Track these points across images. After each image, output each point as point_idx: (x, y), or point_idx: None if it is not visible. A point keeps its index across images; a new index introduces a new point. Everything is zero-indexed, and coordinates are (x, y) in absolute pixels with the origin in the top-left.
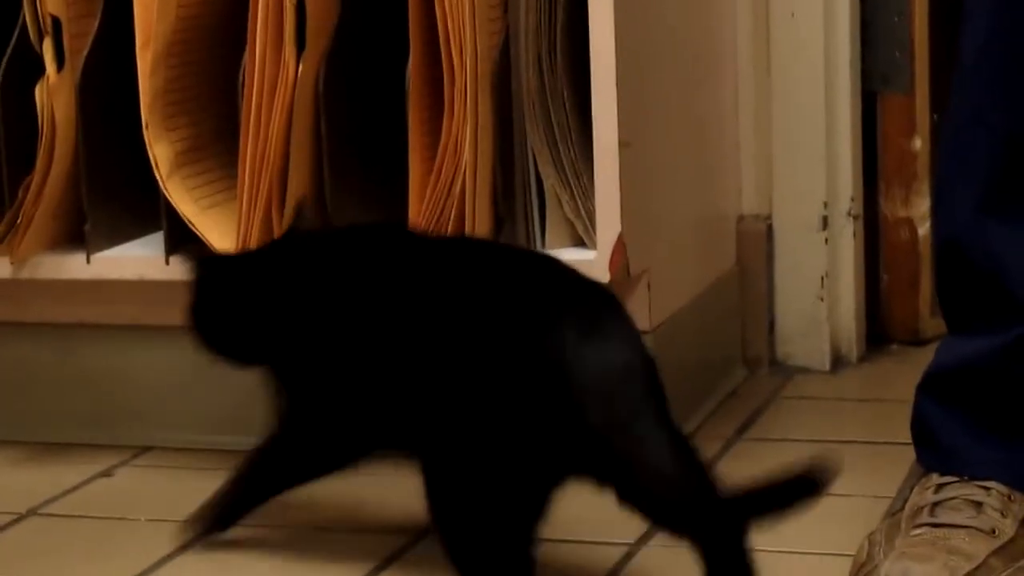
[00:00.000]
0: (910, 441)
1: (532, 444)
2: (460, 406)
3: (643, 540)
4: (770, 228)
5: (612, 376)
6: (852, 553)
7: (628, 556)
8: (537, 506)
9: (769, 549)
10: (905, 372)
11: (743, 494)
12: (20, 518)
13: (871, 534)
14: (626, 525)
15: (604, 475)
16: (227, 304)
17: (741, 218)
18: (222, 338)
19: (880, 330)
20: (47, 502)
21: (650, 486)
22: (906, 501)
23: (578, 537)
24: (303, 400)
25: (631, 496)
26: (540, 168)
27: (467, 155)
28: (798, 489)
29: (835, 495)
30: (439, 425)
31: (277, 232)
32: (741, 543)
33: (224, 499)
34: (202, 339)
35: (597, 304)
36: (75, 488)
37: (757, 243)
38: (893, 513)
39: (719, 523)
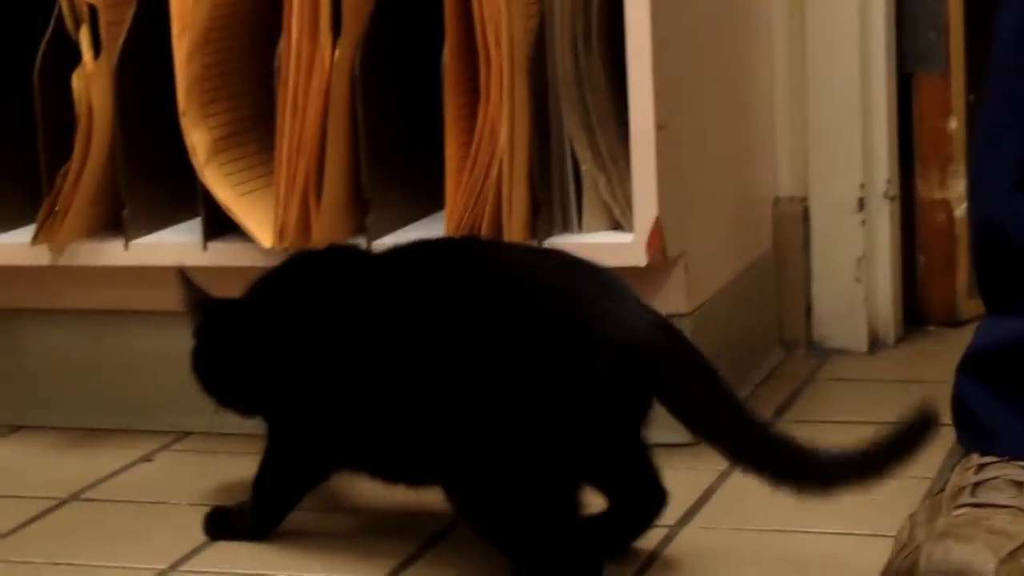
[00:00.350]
0: (948, 422)
1: (576, 416)
2: (497, 395)
3: (683, 521)
4: (806, 210)
5: (642, 332)
6: (893, 534)
7: (667, 539)
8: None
9: (810, 530)
10: (942, 353)
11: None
12: (61, 503)
13: (912, 515)
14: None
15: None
16: (225, 355)
17: (777, 200)
18: (221, 388)
19: (917, 311)
20: (88, 487)
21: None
22: (947, 482)
23: None
24: (293, 417)
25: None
26: (576, 152)
27: (503, 140)
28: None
29: None
30: (479, 417)
31: (314, 216)
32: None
33: (250, 514)
34: (203, 385)
35: (612, 282)
36: (115, 473)
37: (793, 225)
38: (934, 494)
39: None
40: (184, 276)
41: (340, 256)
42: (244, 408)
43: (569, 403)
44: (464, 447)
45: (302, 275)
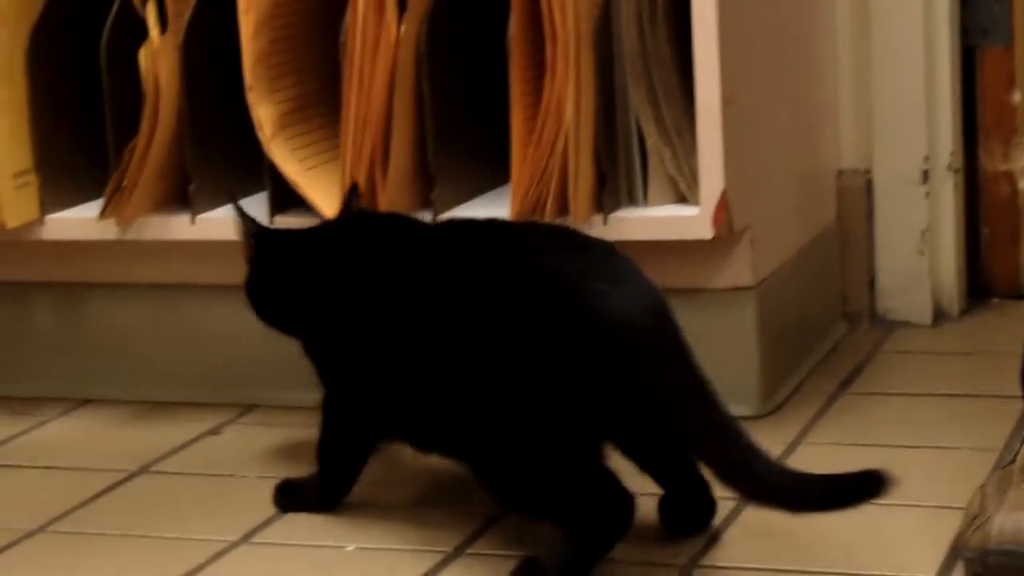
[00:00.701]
0: (1013, 394)
1: (570, 388)
2: (499, 372)
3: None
4: (870, 183)
5: (637, 318)
6: (962, 506)
7: (731, 516)
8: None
9: (879, 503)
10: (1006, 325)
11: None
12: (132, 475)
13: (982, 486)
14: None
15: (628, 421)
16: (275, 278)
17: (841, 173)
18: (268, 308)
19: (980, 284)
20: (156, 460)
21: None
22: (1016, 453)
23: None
24: (336, 382)
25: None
26: (642, 125)
27: (569, 114)
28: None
29: (941, 448)
30: (482, 391)
31: (380, 191)
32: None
33: (317, 486)
34: (253, 307)
35: (615, 259)
36: (183, 446)
37: (857, 198)
38: (1004, 466)
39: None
40: (238, 205)
41: (385, 221)
42: (291, 331)
43: (557, 373)
44: (472, 420)
45: (348, 222)
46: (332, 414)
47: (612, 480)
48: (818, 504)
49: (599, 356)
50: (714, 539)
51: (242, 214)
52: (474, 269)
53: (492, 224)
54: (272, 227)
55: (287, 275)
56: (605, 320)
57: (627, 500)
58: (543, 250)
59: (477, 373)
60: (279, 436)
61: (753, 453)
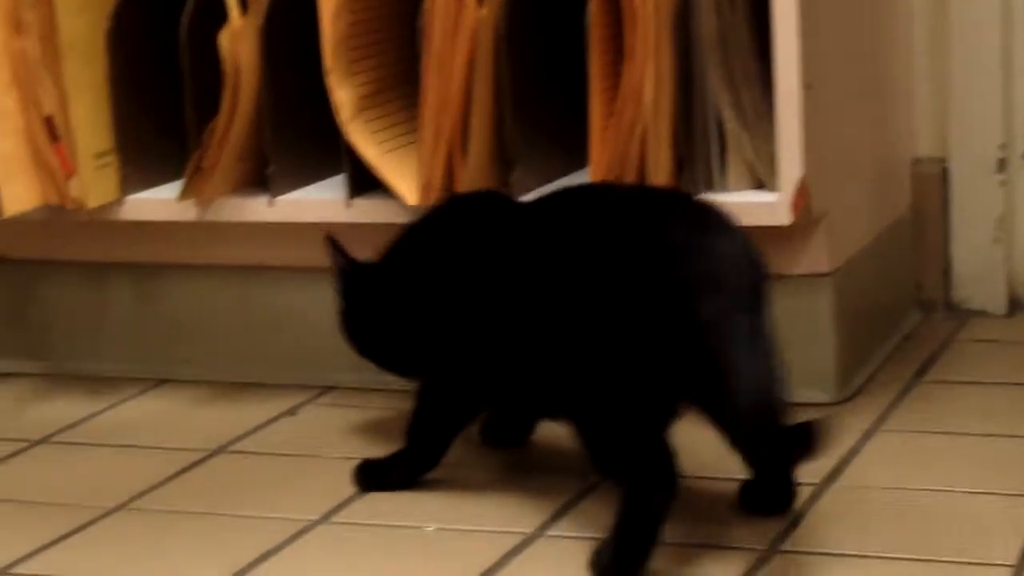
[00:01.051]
0: None
1: (652, 338)
2: (588, 320)
3: (829, 480)
4: (945, 171)
5: (721, 267)
6: None
7: (814, 497)
8: (665, 415)
9: (956, 489)
10: None
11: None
12: (210, 454)
13: None
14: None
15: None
16: (371, 316)
17: (916, 161)
18: (372, 348)
19: None
20: (235, 440)
21: (731, 389)
22: None
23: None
24: (439, 363)
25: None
26: (720, 110)
27: (648, 98)
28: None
29: (1017, 436)
30: (573, 343)
31: (459, 174)
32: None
33: (400, 464)
34: (354, 346)
35: (706, 210)
36: (261, 426)
37: (933, 186)
38: None
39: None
40: (332, 240)
41: (476, 206)
42: (394, 367)
43: (639, 321)
44: (565, 374)
45: (437, 232)
46: (431, 389)
47: (670, 447)
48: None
49: (681, 306)
50: (794, 523)
51: (335, 246)
52: (562, 229)
53: (579, 189)
54: (363, 261)
55: (388, 308)
56: (689, 268)
57: (676, 472)
58: (633, 205)
59: (568, 325)
60: (355, 417)
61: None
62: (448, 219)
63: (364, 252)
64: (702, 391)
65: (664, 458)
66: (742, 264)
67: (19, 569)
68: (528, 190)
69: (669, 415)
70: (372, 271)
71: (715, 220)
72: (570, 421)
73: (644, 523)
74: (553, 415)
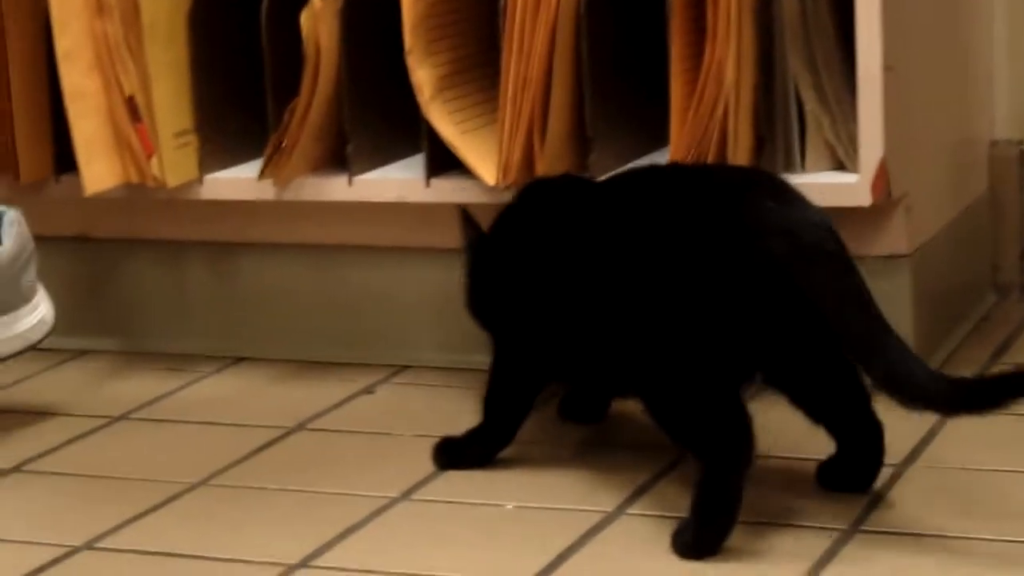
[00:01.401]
0: None
1: (731, 302)
2: (664, 287)
3: (908, 461)
4: (1023, 153)
5: (802, 230)
6: None
7: (894, 478)
8: (743, 372)
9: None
10: None
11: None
12: (289, 432)
13: None
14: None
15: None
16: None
17: (994, 143)
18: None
19: None
20: (314, 417)
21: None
22: None
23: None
24: (511, 336)
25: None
26: (801, 92)
27: (729, 78)
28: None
29: None
30: (647, 311)
31: (538, 154)
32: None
33: (478, 441)
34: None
35: (784, 185)
36: (338, 404)
37: (1010, 168)
38: None
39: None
40: (464, 213)
41: (562, 187)
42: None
43: (718, 287)
44: (637, 342)
45: (531, 209)
46: (503, 362)
47: (747, 417)
48: (974, 405)
49: (761, 269)
50: (875, 502)
51: (467, 220)
52: (642, 206)
53: (658, 168)
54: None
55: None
56: (767, 231)
57: (750, 441)
58: (709, 179)
59: (643, 294)
60: (432, 396)
61: (913, 359)
62: (533, 202)
63: (442, 233)
64: (785, 367)
65: (738, 428)
66: (827, 233)
67: (103, 544)
68: (606, 170)
69: (742, 384)
70: (497, 245)
71: (794, 194)
72: (643, 396)
73: (721, 496)
74: (625, 391)
